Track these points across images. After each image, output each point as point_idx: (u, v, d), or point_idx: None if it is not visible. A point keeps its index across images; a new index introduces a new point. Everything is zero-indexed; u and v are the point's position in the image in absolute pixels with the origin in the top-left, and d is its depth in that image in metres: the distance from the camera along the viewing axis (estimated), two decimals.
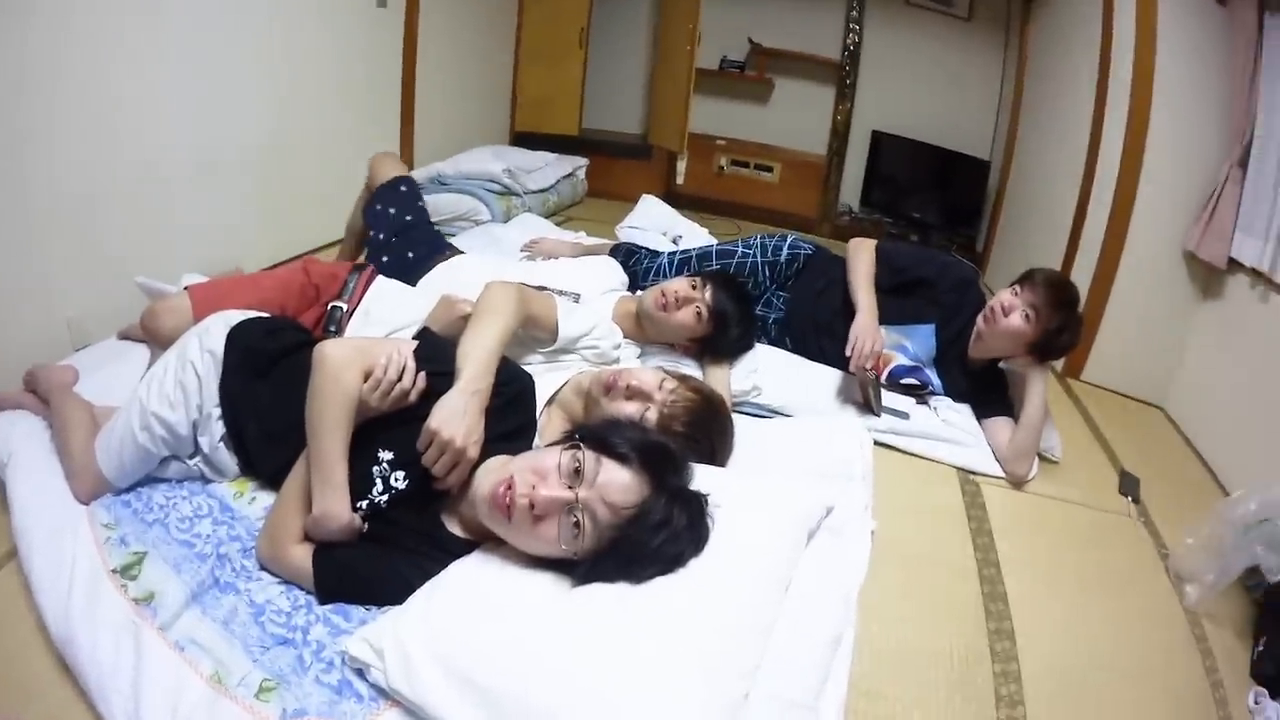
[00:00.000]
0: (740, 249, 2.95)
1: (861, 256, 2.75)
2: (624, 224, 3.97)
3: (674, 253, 3.11)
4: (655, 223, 3.89)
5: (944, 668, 1.73)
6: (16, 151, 2.20)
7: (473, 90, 5.28)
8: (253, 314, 1.88)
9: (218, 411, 1.73)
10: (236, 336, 1.76)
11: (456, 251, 2.81)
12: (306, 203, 3.15)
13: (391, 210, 2.73)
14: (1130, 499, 2.52)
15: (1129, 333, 3.42)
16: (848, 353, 2.48)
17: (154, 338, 2.05)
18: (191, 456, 1.78)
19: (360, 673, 1.35)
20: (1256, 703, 1.76)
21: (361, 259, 2.83)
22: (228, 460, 1.78)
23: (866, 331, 2.51)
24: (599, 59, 5.95)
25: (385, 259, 2.64)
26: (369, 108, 4.10)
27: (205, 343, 1.74)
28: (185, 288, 2.14)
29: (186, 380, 1.71)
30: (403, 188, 2.78)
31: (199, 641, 1.43)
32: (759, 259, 2.91)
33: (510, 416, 1.65)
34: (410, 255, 2.69)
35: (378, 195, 2.74)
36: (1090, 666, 1.82)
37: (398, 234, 2.71)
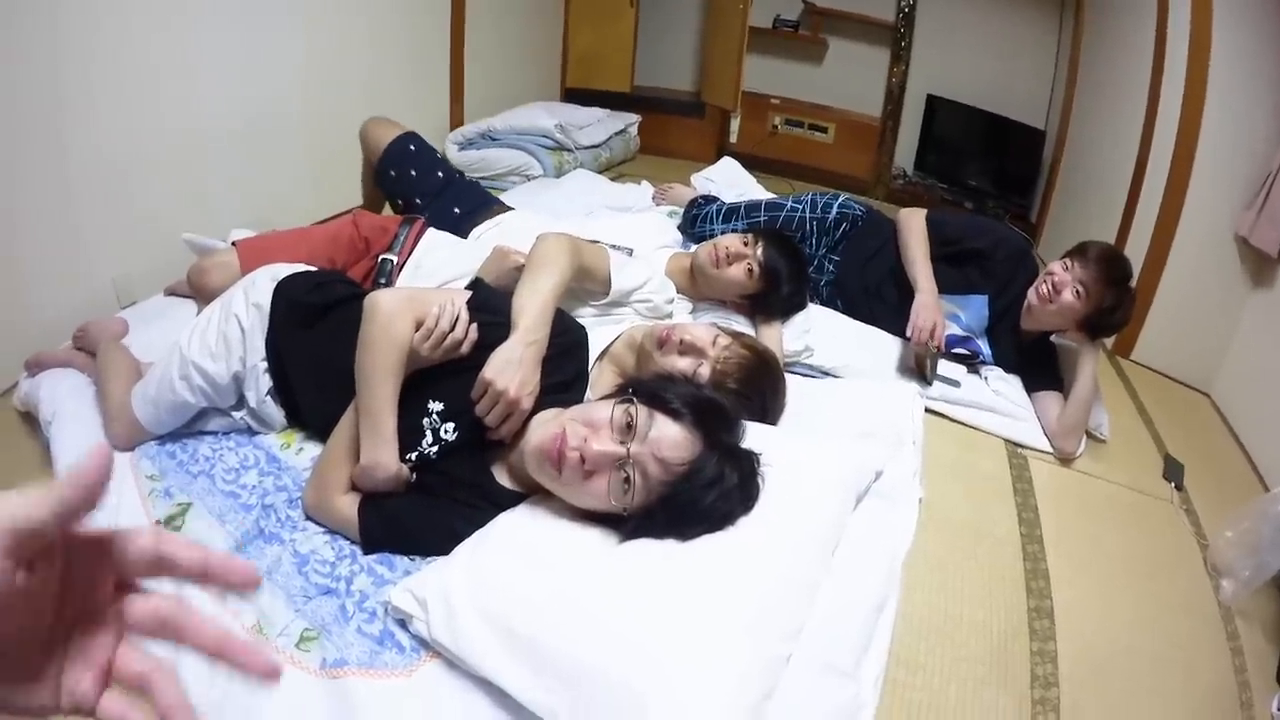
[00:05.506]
0: (790, 203, 2.94)
1: (914, 229, 2.71)
2: (700, 174, 3.96)
3: (723, 203, 3.12)
4: (730, 180, 3.87)
5: (983, 643, 1.73)
6: (56, 116, 2.20)
7: (523, 46, 5.23)
8: (300, 267, 1.88)
9: (264, 365, 1.74)
10: (283, 290, 1.77)
11: (505, 207, 2.78)
12: (354, 162, 3.14)
13: (412, 172, 2.67)
14: (1174, 485, 2.48)
15: (1179, 315, 3.35)
16: (909, 334, 2.47)
17: (201, 293, 2.07)
18: (237, 409, 1.80)
19: (402, 624, 1.35)
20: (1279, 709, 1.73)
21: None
22: (274, 413, 1.80)
23: (928, 309, 2.49)
24: (651, 15, 5.85)
25: (428, 217, 2.62)
26: (417, 64, 4.07)
27: (251, 296, 1.75)
28: (233, 243, 2.15)
29: (230, 332, 1.72)
30: (412, 146, 2.71)
31: None
32: (807, 214, 2.88)
33: (563, 367, 1.64)
34: (456, 211, 2.66)
35: (386, 161, 2.68)
36: (1122, 652, 1.80)
37: (437, 194, 2.68)
